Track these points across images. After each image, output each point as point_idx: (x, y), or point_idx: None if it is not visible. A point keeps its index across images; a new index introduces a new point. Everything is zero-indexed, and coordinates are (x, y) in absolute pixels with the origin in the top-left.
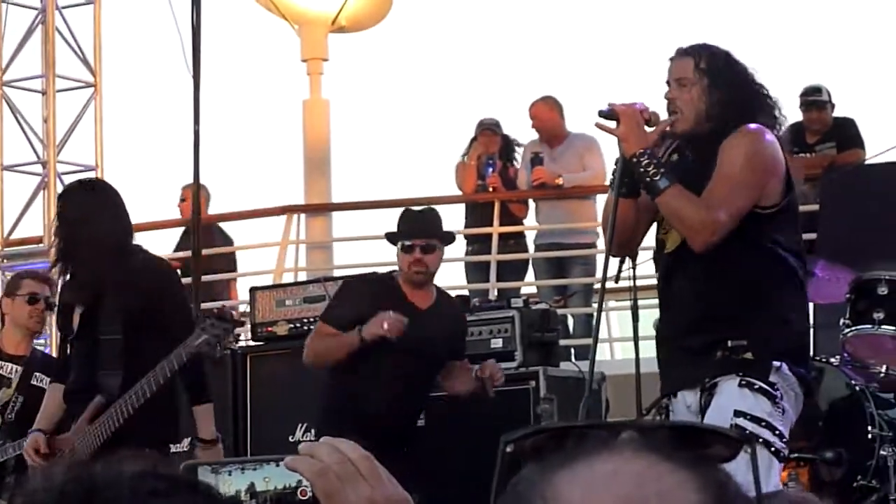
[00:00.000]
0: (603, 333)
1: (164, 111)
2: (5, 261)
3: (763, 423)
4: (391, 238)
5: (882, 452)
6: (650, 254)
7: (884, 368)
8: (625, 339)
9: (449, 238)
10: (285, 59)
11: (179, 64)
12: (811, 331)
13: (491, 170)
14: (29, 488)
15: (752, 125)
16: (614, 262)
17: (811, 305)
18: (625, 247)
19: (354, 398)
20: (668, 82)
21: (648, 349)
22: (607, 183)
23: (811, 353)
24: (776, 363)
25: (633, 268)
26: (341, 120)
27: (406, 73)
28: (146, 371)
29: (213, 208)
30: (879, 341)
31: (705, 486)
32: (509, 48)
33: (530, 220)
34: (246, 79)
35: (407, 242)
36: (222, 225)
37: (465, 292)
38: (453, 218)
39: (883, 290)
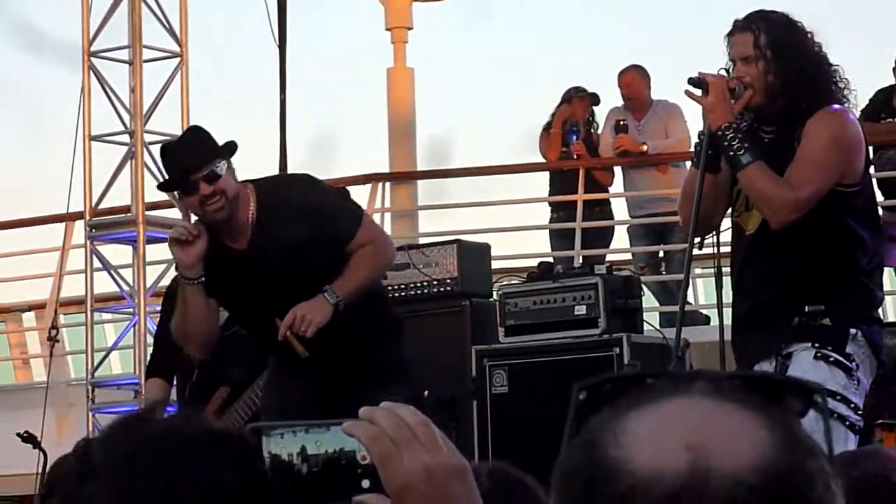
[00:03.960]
0: (689, 299)
1: (250, 80)
2: (94, 230)
3: (838, 397)
4: (165, 187)
5: None
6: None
7: None
8: (710, 306)
9: (229, 149)
10: (369, 28)
11: (266, 33)
12: (884, 299)
13: (575, 137)
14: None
15: (835, 106)
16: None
17: (889, 270)
18: (704, 224)
19: (277, 372)
20: (731, 60)
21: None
22: (692, 151)
23: (884, 318)
24: (853, 330)
25: (717, 234)
26: (426, 88)
27: (490, 42)
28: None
29: None
30: None
31: (774, 426)
32: (596, 15)
33: (617, 187)
34: (331, 48)
35: (188, 182)
36: None
37: (551, 259)
38: (538, 186)
39: None
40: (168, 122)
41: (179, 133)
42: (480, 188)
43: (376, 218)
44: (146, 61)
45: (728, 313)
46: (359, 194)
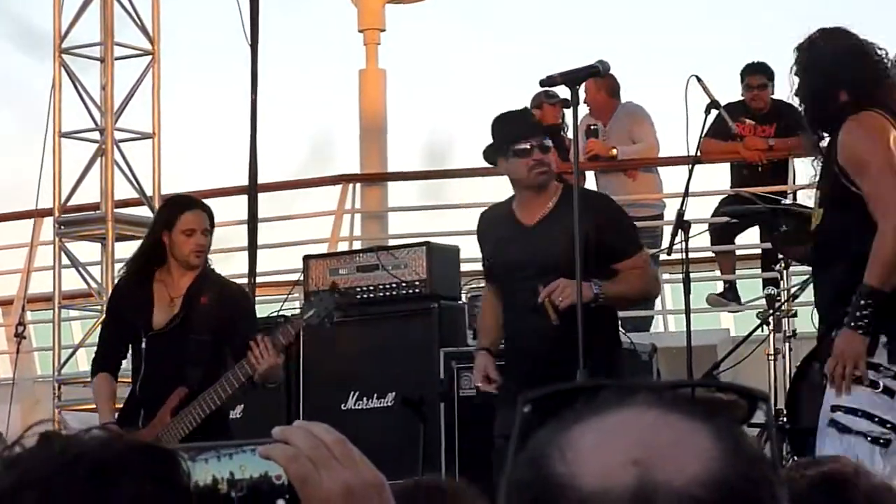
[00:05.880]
0: (657, 305)
1: (221, 80)
2: (63, 227)
3: (859, 413)
4: (494, 151)
5: None
6: (704, 226)
7: None
8: (677, 312)
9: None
10: (342, 29)
11: (238, 32)
12: None
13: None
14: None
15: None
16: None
17: None
18: None
19: (506, 329)
20: None
21: (700, 322)
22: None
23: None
24: (883, 338)
25: (686, 240)
26: (397, 90)
27: (462, 44)
28: (225, 368)
29: (269, 177)
30: None
31: (719, 436)
32: (570, 14)
33: None
34: (303, 48)
35: (522, 146)
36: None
37: None
38: (510, 190)
39: None
40: (139, 120)
41: (150, 131)
42: (452, 190)
43: (346, 219)
44: (118, 58)
45: None
46: (330, 195)
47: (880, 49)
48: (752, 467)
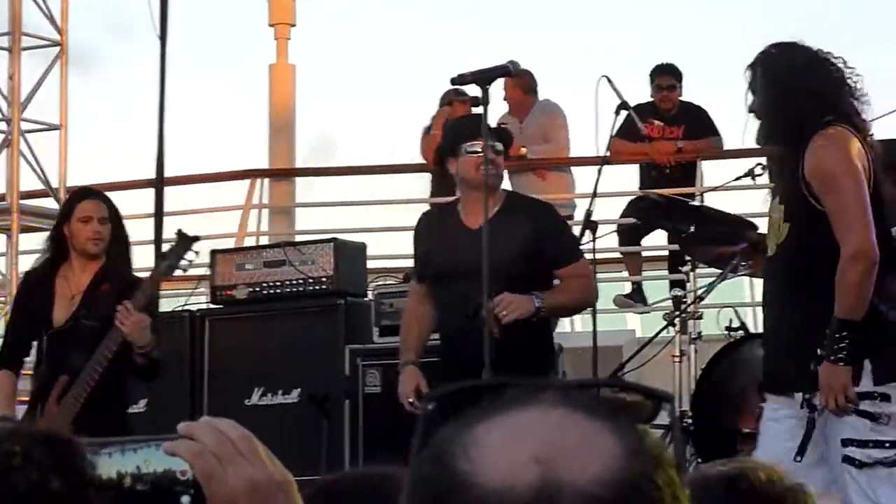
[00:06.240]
0: None
1: (130, 72)
2: None
3: (871, 444)
4: (445, 151)
5: None
6: (612, 227)
7: None
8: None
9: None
10: (253, 23)
11: (147, 25)
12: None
13: None
14: None
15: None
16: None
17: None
18: None
19: (442, 330)
20: None
21: (606, 322)
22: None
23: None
24: (867, 364)
25: (593, 241)
26: (307, 85)
27: (373, 39)
28: None
29: (177, 170)
30: None
31: (623, 436)
32: (482, 9)
33: None
34: (213, 42)
35: (474, 146)
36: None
37: None
38: (419, 187)
39: None
40: (46, 111)
41: (57, 122)
42: (359, 187)
43: (253, 214)
44: (25, 49)
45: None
46: (237, 190)
47: (836, 58)
48: (653, 468)
